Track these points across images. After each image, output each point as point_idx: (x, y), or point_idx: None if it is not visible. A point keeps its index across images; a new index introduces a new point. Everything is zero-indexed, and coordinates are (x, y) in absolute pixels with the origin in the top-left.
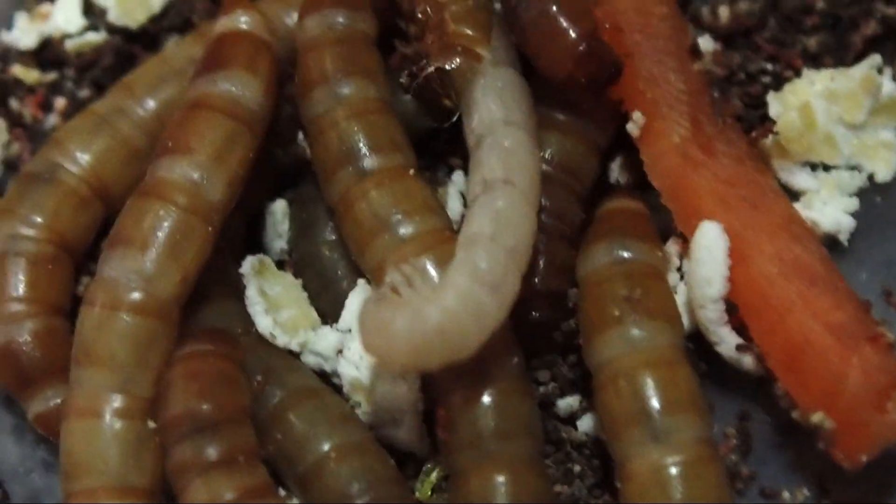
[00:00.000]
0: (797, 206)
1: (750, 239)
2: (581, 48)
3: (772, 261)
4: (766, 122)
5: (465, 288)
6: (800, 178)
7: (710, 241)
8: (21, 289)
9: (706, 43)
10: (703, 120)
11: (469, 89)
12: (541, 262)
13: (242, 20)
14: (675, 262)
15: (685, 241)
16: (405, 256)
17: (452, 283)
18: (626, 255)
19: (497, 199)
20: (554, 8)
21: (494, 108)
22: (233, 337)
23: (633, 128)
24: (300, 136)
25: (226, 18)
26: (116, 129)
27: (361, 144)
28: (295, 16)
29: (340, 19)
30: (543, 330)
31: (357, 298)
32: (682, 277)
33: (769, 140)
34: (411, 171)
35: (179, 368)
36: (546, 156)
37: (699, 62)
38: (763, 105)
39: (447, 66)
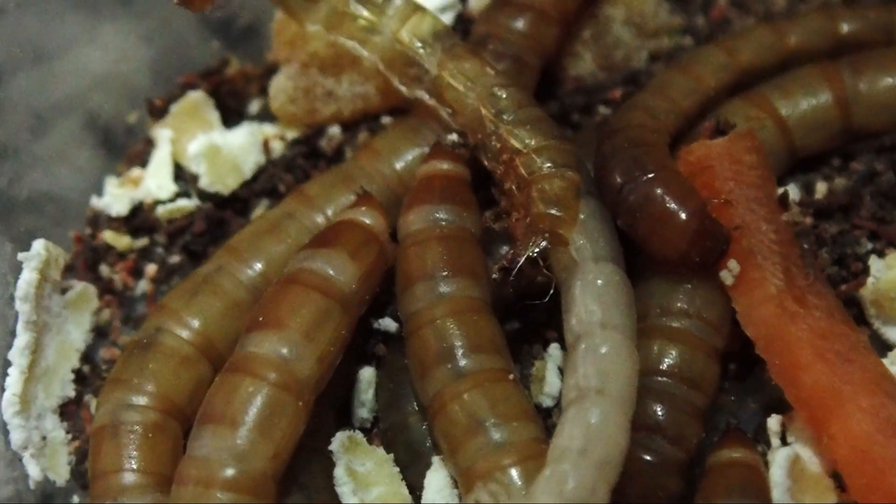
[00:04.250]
0: (885, 361)
1: (847, 394)
2: (694, 228)
3: (869, 417)
4: (858, 276)
5: None
6: (893, 333)
7: None
8: (131, 461)
9: (794, 193)
10: (794, 271)
11: (569, 284)
12: (632, 491)
13: (365, 216)
14: (777, 442)
15: (786, 416)
16: (498, 464)
17: (537, 502)
18: None
19: (589, 411)
20: (660, 190)
21: (593, 309)
22: None
23: (727, 276)
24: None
25: (353, 210)
26: (218, 285)
27: (460, 344)
28: (405, 161)
29: (446, 215)
30: None
31: (434, 477)
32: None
33: (868, 292)
34: (511, 377)
35: None
36: (663, 367)
37: (787, 213)
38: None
39: (533, 253)
